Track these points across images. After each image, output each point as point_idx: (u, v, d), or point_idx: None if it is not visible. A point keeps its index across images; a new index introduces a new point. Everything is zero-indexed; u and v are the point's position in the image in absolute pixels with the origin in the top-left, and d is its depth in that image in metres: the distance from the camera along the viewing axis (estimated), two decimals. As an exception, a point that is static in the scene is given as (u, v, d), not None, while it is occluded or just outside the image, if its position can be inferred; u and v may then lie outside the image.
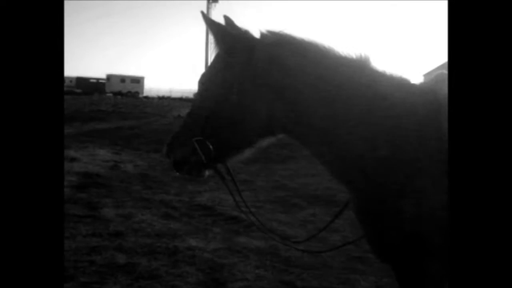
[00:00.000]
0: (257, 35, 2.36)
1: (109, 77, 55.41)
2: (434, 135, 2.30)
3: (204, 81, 2.41)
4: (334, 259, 5.26)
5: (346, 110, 2.32)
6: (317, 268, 5.01)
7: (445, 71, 2.45)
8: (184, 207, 7.44)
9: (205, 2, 41.67)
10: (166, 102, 35.64)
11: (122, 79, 55.69)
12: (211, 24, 2.33)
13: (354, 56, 2.39)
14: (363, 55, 2.39)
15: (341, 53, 2.39)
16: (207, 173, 2.44)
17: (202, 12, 2.35)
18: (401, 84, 2.44)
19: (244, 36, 2.33)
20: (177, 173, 2.43)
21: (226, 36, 2.32)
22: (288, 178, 9.79)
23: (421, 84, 2.56)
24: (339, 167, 2.45)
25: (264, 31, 2.36)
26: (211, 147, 2.30)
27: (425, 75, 42.88)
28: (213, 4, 44.41)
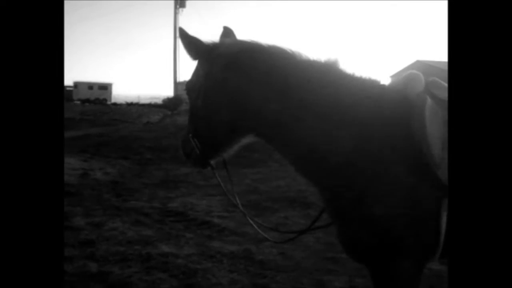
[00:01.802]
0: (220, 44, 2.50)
1: (77, 85, 54.62)
2: (402, 135, 2.33)
3: (186, 87, 2.66)
4: (308, 260, 5.29)
5: (307, 110, 2.35)
6: (290, 270, 5.02)
7: (415, 71, 2.50)
8: (155, 213, 7.38)
9: (172, 7, 41.50)
10: (134, 109, 35.33)
11: (90, 86, 54.95)
12: (182, 37, 2.50)
13: (322, 60, 2.43)
14: (331, 58, 2.43)
15: (306, 56, 2.44)
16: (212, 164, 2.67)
17: (181, 28, 2.51)
18: (368, 85, 2.46)
19: (207, 48, 2.48)
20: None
21: (193, 49, 2.50)
22: (260, 181, 9.80)
23: (391, 84, 2.59)
24: (304, 167, 2.49)
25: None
26: (196, 144, 2.54)
27: (392, 76, 43.17)
28: (180, 9, 44.34)
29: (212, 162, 2.66)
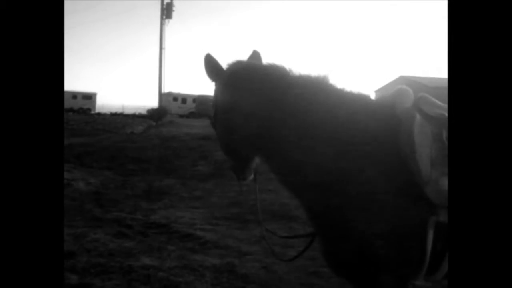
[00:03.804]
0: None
1: (60, 94, 54.20)
2: (389, 151, 2.34)
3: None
4: (290, 274, 5.27)
5: (291, 126, 2.40)
6: (273, 284, 5.00)
7: (404, 86, 2.52)
8: (138, 225, 7.30)
9: (158, 17, 41.51)
10: (118, 119, 35.09)
11: (74, 95, 54.48)
12: (207, 62, 2.62)
13: (312, 76, 2.47)
14: (321, 74, 2.50)
15: (298, 73, 2.51)
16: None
17: (208, 54, 2.63)
18: (357, 100, 2.48)
19: (221, 71, 2.61)
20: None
21: (213, 73, 2.64)
22: (244, 194, 9.76)
23: (379, 99, 2.61)
24: (288, 182, 2.50)
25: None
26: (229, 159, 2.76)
27: (376, 91, 43.44)
28: (166, 20, 44.34)
29: (249, 174, 2.74)
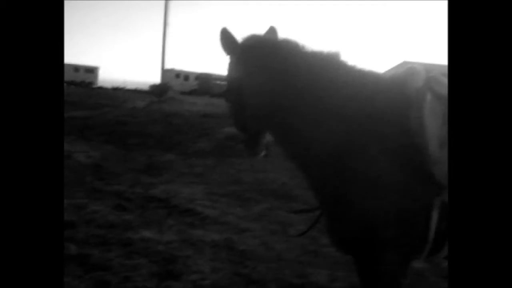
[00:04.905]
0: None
1: (62, 66, 54.05)
2: (397, 129, 2.33)
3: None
4: (290, 252, 5.27)
5: (301, 98, 2.40)
6: (272, 261, 5.00)
7: (416, 65, 2.49)
8: (137, 198, 7.30)
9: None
10: (120, 93, 35.04)
11: (76, 68, 54.35)
12: (223, 35, 2.57)
13: (324, 52, 2.48)
14: (333, 51, 2.48)
15: (311, 49, 2.49)
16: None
17: (225, 29, 2.59)
18: (367, 77, 2.46)
19: (236, 45, 2.56)
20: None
21: (224, 46, 2.58)
22: (244, 172, 9.76)
23: (390, 77, 2.58)
24: (294, 155, 2.50)
25: (244, 37, 2.57)
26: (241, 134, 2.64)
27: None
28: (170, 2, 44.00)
29: (261, 149, 2.61)
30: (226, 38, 2.56)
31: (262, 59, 2.43)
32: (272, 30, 2.66)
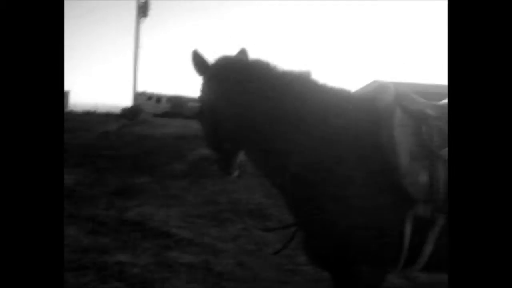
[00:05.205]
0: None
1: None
2: (368, 144, 2.38)
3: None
4: (267, 272, 5.28)
5: (279, 118, 2.44)
6: (249, 282, 5.00)
7: (386, 82, 2.56)
8: (112, 222, 7.21)
9: (134, 15, 41.09)
10: (92, 117, 34.71)
11: (46, 92, 53.63)
12: (195, 57, 2.66)
13: (295, 71, 2.54)
14: (304, 70, 2.55)
15: (282, 69, 2.56)
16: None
17: (195, 51, 2.64)
18: (338, 94, 2.52)
19: (207, 66, 2.64)
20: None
21: (199, 67, 2.66)
22: (219, 193, 9.74)
23: (360, 94, 2.64)
24: (274, 175, 2.53)
25: (215, 58, 2.67)
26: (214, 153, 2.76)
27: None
28: (142, 19, 43.99)
29: (234, 169, 2.71)
30: (198, 60, 2.63)
31: (234, 80, 2.49)
32: (243, 51, 2.72)
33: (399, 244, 2.36)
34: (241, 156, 2.66)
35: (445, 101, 2.55)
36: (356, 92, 2.65)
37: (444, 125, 2.33)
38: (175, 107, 50.33)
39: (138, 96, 50.35)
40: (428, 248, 2.35)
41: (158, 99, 53.51)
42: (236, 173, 2.70)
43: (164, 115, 47.67)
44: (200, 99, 2.68)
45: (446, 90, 2.02)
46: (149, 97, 52.90)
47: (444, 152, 2.24)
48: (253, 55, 2.69)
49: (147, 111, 43.03)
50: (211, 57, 2.68)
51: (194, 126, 20.62)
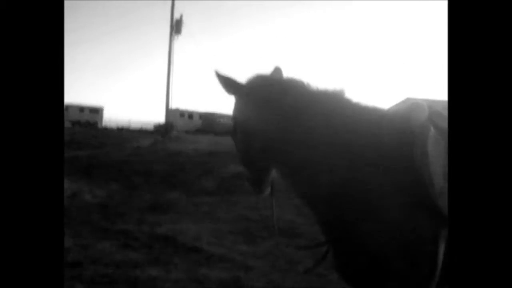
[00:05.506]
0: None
1: (67, 107, 54.40)
2: (402, 163, 2.36)
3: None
4: (297, 290, 5.25)
5: (312, 137, 2.43)
6: (280, 299, 4.98)
7: (419, 101, 2.54)
8: (144, 237, 7.30)
9: (167, 31, 41.67)
10: (125, 133, 35.24)
11: (81, 109, 54.70)
12: (220, 78, 2.64)
13: (329, 90, 2.53)
14: (337, 88, 2.54)
15: (317, 88, 2.55)
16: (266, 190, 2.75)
17: (216, 72, 2.64)
18: (372, 114, 2.51)
19: (239, 86, 2.63)
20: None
21: (230, 87, 2.64)
22: (250, 210, 9.75)
23: (394, 112, 2.63)
24: (308, 195, 2.52)
25: (250, 77, 2.66)
26: (247, 172, 2.74)
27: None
28: (176, 36, 44.60)
29: (266, 187, 2.71)
30: (225, 80, 2.64)
31: (269, 98, 2.50)
32: (277, 70, 2.73)
33: (432, 262, 2.32)
34: (273, 174, 2.67)
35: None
36: (389, 110, 2.64)
37: None
38: (207, 123, 50.76)
39: (171, 112, 50.96)
40: None
41: (190, 115, 54.07)
42: (268, 191, 2.71)
43: (196, 131, 48.12)
44: (234, 116, 2.70)
45: None
46: (182, 113, 53.48)
47: None
48: (287, 72, 2.71)
49: (179, 128, 43.47)
50: (239, 74, 2.68)
51: (225, 143, 20.75)
